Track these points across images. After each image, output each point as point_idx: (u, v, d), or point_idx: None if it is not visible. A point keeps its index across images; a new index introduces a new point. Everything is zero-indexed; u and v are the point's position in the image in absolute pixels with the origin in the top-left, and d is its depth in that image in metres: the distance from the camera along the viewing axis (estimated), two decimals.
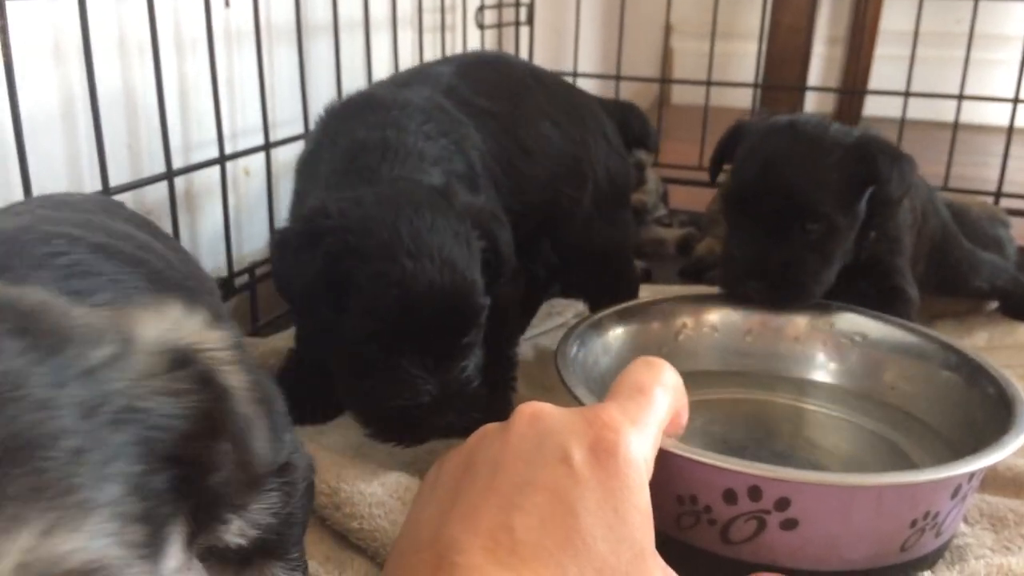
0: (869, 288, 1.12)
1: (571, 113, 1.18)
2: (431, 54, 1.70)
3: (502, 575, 0.57)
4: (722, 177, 1.21)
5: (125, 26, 1.07)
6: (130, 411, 0.36)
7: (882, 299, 1.11)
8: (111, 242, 0.59)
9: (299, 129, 1.32)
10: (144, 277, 0.57)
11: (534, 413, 0.66)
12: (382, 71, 1.49)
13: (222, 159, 1.16)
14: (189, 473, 0.39)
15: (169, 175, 1.09)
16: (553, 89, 1.20)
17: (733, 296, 1.08)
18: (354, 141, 0.96)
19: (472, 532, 0.59)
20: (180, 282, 0.65)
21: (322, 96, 1.39)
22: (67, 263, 0.52)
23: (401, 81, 1.11)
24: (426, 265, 0.83)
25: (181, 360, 0.39)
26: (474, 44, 1.90)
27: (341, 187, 0.92)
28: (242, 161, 1.27)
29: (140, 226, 0.73)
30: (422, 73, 1.12)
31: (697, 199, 1.91)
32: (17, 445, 0.31)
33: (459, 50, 1.82)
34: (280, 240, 0.89)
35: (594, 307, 1.13)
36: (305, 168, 1.02)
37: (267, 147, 1.25)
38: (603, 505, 0.60)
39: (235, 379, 0.40)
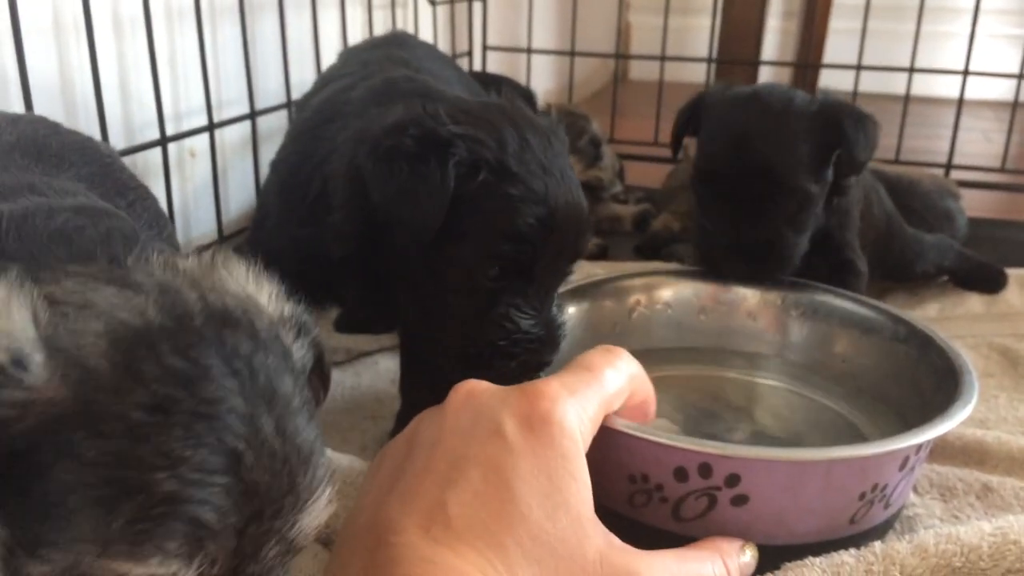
0: (821, 263, 1.12)
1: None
2: (381, 31, 1.67)
3: (437, 551, 0.56)
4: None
5: (60, 4, 1.04)
6: (301, 371, 0.48)
7: (833, 273, 1.11)
8: None
9: (245, 109, 1.29)
10: None
11: (470, 391, 0.65)
12: (330, 49, 1.46)
13: (163, 141, 1.13)
14: None
15: None
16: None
17: (712, 274, 1.07)
18: (391, 78, 0.87)
19: (408, 511, 0.59)
20: None
21: (268, 76, 1.36)
22: None
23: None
24: (559, 182, 0.75)
25: (302, 329, 0.50)
26: (426, 21, 1.87)
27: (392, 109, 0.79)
28: (188, 142, 1.25)
29: None
30: (396, 60, 1.02)
31: (653, 175, 1.91)
32: (311, 446, 0.44)
33: (409, 29, 1.79)
34: (391, 150, 0.73)
35: None
36: (320, 120, 0.90)
37: (211, 128, 1.22)
38: (537, 474, 0.60)
39: (322, 338, 0.52)
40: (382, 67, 0.91)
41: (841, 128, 1.04)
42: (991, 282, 1.41)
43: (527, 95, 1.38)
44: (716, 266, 1.07)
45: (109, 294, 0.42)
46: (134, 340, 0.40)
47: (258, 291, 0.48)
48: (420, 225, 0.73)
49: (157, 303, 0.42)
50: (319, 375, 0.52)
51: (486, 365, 0.77)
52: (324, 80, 0.99)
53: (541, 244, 0.74)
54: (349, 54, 1.05)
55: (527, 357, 0.78)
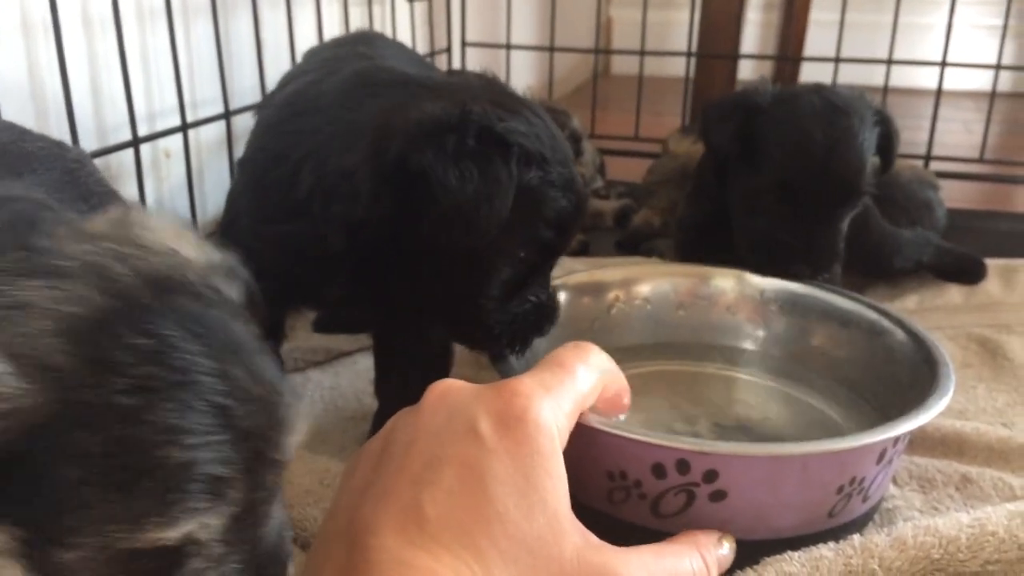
0: None
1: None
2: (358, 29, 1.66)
3: (413, 553, 0.56)
4: (684, 145, 1.20)
5: (27, 4, 1.02)
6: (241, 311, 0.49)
7: None
8: None
9: (219, 108, 1.28)
10: None
11: (444, 390, 0.65)
12: (306, 48, 1.45)
13: (136, 142, 1.12)
14: None
15: None
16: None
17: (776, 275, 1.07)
18: (366, 68, 0.89)
19: (383, 513, 0.58)
20: None
21: (243, 75, 1.35)
22: None
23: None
24: (572, 170, 0.80)
25: (230, 272, 0.51)
26: (403, 18, 1.86)
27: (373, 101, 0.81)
28: (162, 143, 1.23)
29: None
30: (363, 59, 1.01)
31: (634, 170, 1.91)
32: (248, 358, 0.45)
33: (387, 26, 1.78)
34: (457, 152, 0.73)
35: None
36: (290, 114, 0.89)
37: (184, 128, 1.21)
38: (513, 473, 0.59)
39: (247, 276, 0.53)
40: (346, 63, 0.90)
41: (888, 134, 1.10)
42: (971, 274, 1.41)
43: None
44: (780, 273, 1.06)
45: (40, 288, 0.41)
46: (90, 330, 0.41)
47: (180, 242, 0.48)
48: (491, 222, 0.74)
49: (94, 286, 0.42)
50: (251, 309, 0.53)
51: (496, 338, 0.82)
52: (286, 79, 0.98)
53: (571, 227, 0.80)
54: (312, 53, 1.04)
55: (541, 324, 0.84)
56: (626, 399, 0.74)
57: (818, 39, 2.44)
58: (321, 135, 0.82)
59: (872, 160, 1.11)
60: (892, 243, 1.37)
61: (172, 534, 0.42)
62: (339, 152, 0.80)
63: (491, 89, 0.83)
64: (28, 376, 0.39)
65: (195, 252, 0.49)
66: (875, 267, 1.36)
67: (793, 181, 1.06)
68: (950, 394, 0.78)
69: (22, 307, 0.41)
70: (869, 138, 1.08)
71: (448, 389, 0.65)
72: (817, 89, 1.11)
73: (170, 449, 0.40)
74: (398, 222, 0.77)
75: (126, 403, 0.40)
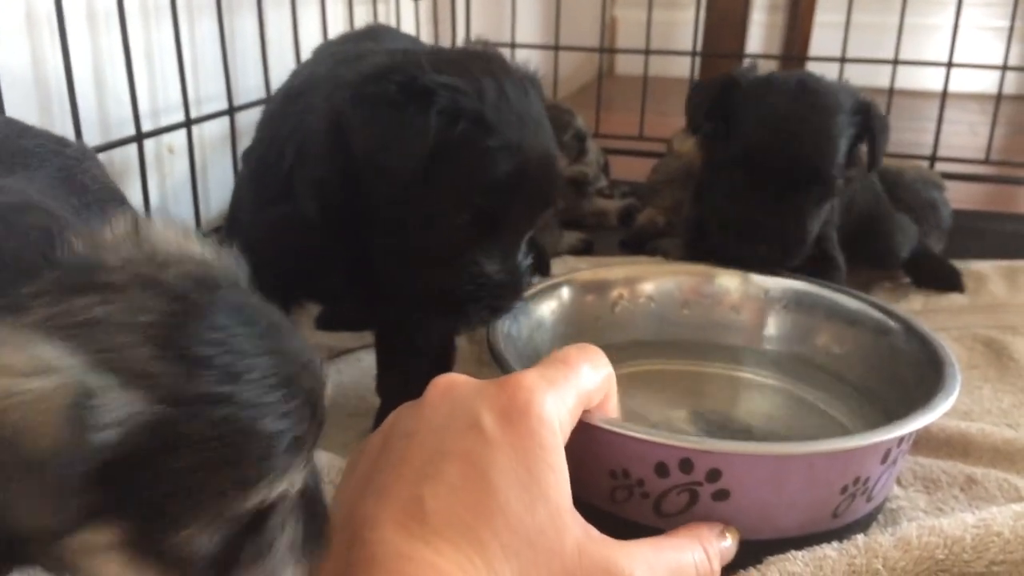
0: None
1: None
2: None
3: (414, 546, 0.56)
4: (688, 144, 1.20)
5: None
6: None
7: (812, 267, 1.10)
8: None
9: (223, 105, 1.28)
10: None
11: (447, 384, 0.65)
12: (310, 45, 1.44)
13: (139, 137, 1.12)
14: None
15: None
16: None
17: (733, 261, 1.07)
18: (355, 52, 0.87)
19: (384, 507, 0.58)
20: None
21: (247, 72, 1.35)
22: None
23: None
24: (534, 133, 0.77)
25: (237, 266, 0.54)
26: (408, 16, 1.86)
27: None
28: (166, 138, 1.23)
29: None
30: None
31: (638, 170, 1.90)
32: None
33: (392, 23, 1.78)
34: (373, 96, 0.73)
35: None
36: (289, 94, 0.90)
37: (188, 124, 1.21)
38: (516, 466, 0.59)
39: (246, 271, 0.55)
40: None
41: (872, 124, 1.07)
42: (946, 282, 1.40)
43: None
44: (740, 251, 1.06)
45: (98, 304, 0.45)
46: (168, 335, 0.45)
47: (189, 243, 0.52)
48: (399, 171, 0.73)
49: (151, 294, 0.46)
50: None
51: (456, 310, 0.80)
52: (294, 75, 0.98)
53: (513, 195, 0.76)
54: (320, 49, 1.04)
55: (493, 302, 0.81)
56: (613, 402, 0.74)
57: (823, 40, 2.43)
58: (306, 114, 0.82)
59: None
60: (903, 233, 1.36)
61: (273, 493, 0.47)
62: (316, 116, 0.80)
63: (482, 56, 0.80)
64: (131, 386, 0.43)
65: (206, 252, 0.53)
66: (883, 257, 1.35)
67: (755, 153, 1.06)
68: (956, 394, 0.78)
69: (94, 324, 0.44)
70: (842, 122, 1.06)
71: (451, 384, 0.65)
72: (806, 76, 1.11)
73: (262, 421, 0.45)
74: (350, 179, 0.77)
75: (219, 391, 0.44)
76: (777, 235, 1.05)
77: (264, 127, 0.91)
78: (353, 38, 1.04)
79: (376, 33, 1.04)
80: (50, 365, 0.41)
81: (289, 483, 0.48)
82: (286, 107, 0.86)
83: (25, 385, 0.40)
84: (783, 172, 1.05)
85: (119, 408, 0.42)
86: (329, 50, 1.00)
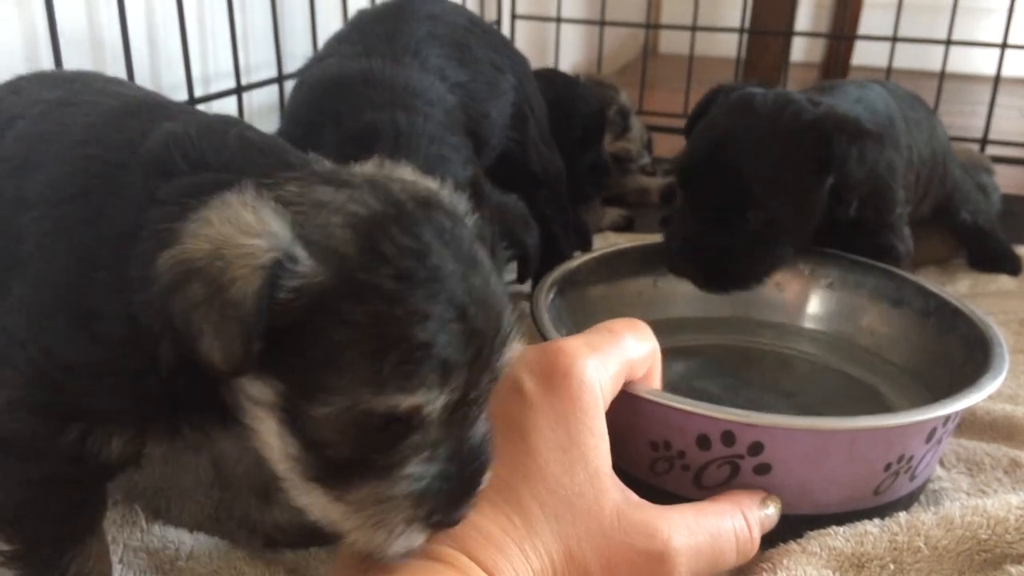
0: (861, 245, 1.07)
1: (508, 57, 1.17)
2: None
3: None
4: None
5: None
6: (481, 239, 0.56)
7: (875, 254, 1.07)
8: None
9: (273, 72, 1.29)
10: None
11: None
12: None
13: (192, 102, 1.13)
14: None
15: None
16: (489, 36, 1.18)
17: (679, 273, 1.03)
18: (365, 125, 0.90)
19: None
20: None
21: (297, 39, 1.36)
22: None
23: (381, 51, 1.01)
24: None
25: (469, 209, 0.58)
26: None
27: None
28: (216, 105, 1.24)
29: None
30: (397, 42, 1.03)
31: (681, 148, 1.89)
32: (506, 297, 0.54)
33: None
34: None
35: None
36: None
37: (239, 90, 1.22)
38: (555, 428, 0.60)
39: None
40: (369, 50, 0.96)
41: (831, 146, 0.96)
42: (1006, 265, 1.38)
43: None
44: (670, 264, 1.02)
45: (331, 192, 0.52)
46: (369, 226, 0.50)
47: (425, 180, 0.58)
48: None
49: (375, 195, 0.52)
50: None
51: None
52: (327, 51, 1.03)
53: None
54: (356, 22, 1.08)
55: None
56: (656, 375, 0.74)
57: (873, 20, 2.39)
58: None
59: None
60: (961, 194, 1.35)
61: (406, 402, 0.49)
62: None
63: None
64: (318, 258, 0.49)
65: (444, 190, 0.58)
66: (943, 213, 1.33)
67: (681, 164, 1.04)
68: (1004, 374, 0.77)
69: (319, 205, 0.51)
70: (785, 149, 0.97)
71: None
72: (758, 92, 1.03)
73: (417, 329, 0.48)
74: None
75: (390, 286, 0.48)
76: (712, 260, 1.00)
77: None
78: (384, 16, 1.07)
79: (407, 13, 1.06)
80: (268, 230, 0.48)
81: (428, 404, 0.50)
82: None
83: (245, 240, 0.48)
84: (715, 188, 0.99)
85: (305, 274, 0.48)
86: (362, 28, 1.05)
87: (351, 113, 0.91)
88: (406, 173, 0.58)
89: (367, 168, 0.58)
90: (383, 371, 0.48)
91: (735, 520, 0.67)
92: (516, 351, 0.54)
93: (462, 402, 0.52)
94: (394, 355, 0.48)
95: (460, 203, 0.57)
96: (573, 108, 1.43)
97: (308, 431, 0.51)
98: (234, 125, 0.62)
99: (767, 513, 0.69)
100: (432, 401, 0.50)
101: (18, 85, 0.75)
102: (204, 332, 0.48)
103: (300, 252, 0.48)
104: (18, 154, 0.64)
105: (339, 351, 0.48)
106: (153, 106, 0.67)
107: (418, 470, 0.52)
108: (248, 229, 0.49)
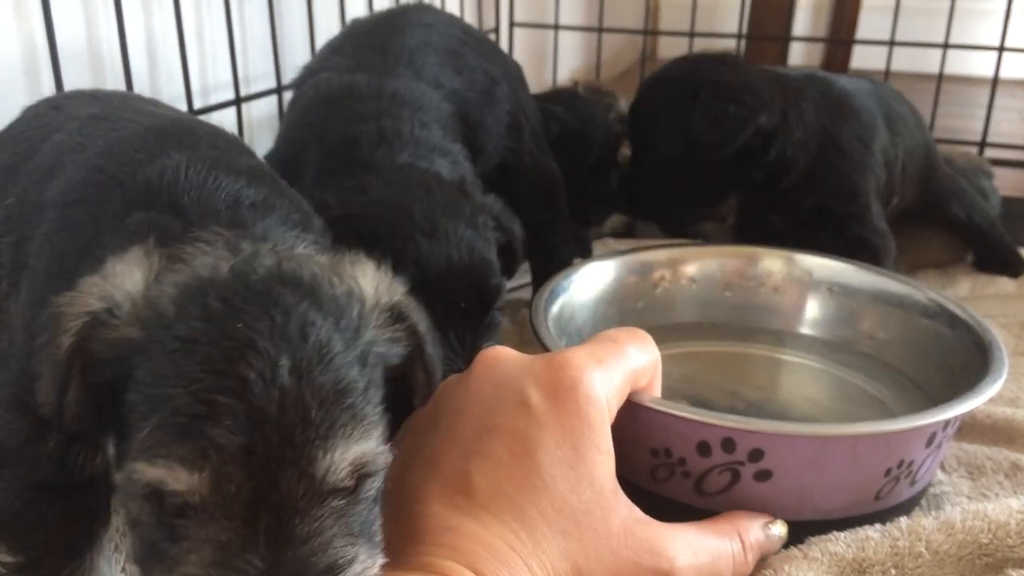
0: (828, 239, 1.10)
1: (502, 66, 1.18)
2: None
3: (460, 520, 0.57)
4: None
5: None
6: (377, 356, 0.52)
7: (847, 250, 1.08)
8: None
9: (271, 83, 1.29)
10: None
11: (493, 357, 0.65)
12: None
13: (191, 114, 1.14)
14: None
15: None
16: (482, 45, 1.19)
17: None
18: (346, 137, 0.91)
19: (431, 480, 0.59)
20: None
21: (295, 50, 1.36)
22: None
23: (370, 63, 1.03)
24: (442, 243, 0.80)
25: (398, 315, 0.54)
26: None
27: (335, 184, 0.86)
28: (215, 116, 1.25)
29: None
30: (390, 52, 1.04)
31: None
32: (336, 391, 0.47)
33: (435, 5, 1.77)
34: None
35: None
36: (283, 168, 0.91)
37: (238, 101, 1.22)
38: (562, 444, 0.60)
39: (423, 327, 0.56)
40: (361, 62, 0.98)
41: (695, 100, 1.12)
42: (1010, 266, 1.39)
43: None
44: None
45: (211, 254, 0.51)
46: (194, 289, 0.48)
47: (361, 277, 0.54)
48: None
49: (234, 263, 0.50)
50: (422, 368, 0.57)
51: None
52: (319, 63, 1.04)
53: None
54: (350, 32, 1.10)
55: None
56: (656, 385, 0.74)
57: (871, 24, 2.39)
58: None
59: None
60: (952, 187, 1.36)
61: (150, 474, 0.45)
62: None
63: (409, 173, 0.87)
64: (139, 315, 0.48)
65: (372, 288, 0.54)
66: (932, 208, 1.35)
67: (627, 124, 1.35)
68: (1003, 378, 0.77)
69: (185, 266, 0.50)
70: (665, 105, 1.20)
71: (497, 358, 0.65)
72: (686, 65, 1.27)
73: (179, 392, 0.45)
74: None
75: (173, 346, 0.46)
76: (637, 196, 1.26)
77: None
78: (378, 27, 1.08)
79: (402, 23, 1.08)
80: (111, 284, 0.49)
81: (172, 479, 0.45)
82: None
83: (88, 292, 0.49)
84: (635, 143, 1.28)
85: (118, 328, 0.48)
86: (354, 41, 1.06)
87: (334, 128, 0.92)
88: (344, 266, 0.55)
89: (282, 244, 0.56)
90: (144, 436, 0.45)
91: (733, 543, 0.68)
92: (349, 455, 0.47)
93: (258, 502, 0.45)
94: (155, 418, 0.45)
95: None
96: (591, 135, 1.44)
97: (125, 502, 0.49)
98: (231, 173, 0.60)
99: (770, 534, 0.70)
100: (183, 481, 0.44)
101: (59, 102, 0.77)
102: (41, 374, 0.49)
103: (126, 308, 0.48)
104: (48, 163, 0.66)
105: (129, 410, 0.47)
106: (179, 131, 0.66)
107: (201, 572, 0.45)
108: (98, 283, 0.49)
